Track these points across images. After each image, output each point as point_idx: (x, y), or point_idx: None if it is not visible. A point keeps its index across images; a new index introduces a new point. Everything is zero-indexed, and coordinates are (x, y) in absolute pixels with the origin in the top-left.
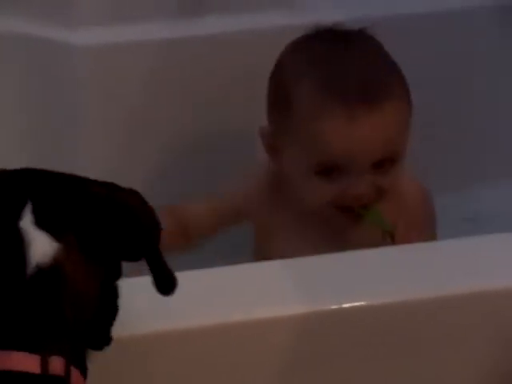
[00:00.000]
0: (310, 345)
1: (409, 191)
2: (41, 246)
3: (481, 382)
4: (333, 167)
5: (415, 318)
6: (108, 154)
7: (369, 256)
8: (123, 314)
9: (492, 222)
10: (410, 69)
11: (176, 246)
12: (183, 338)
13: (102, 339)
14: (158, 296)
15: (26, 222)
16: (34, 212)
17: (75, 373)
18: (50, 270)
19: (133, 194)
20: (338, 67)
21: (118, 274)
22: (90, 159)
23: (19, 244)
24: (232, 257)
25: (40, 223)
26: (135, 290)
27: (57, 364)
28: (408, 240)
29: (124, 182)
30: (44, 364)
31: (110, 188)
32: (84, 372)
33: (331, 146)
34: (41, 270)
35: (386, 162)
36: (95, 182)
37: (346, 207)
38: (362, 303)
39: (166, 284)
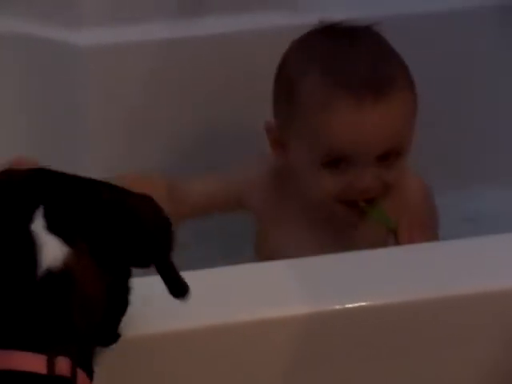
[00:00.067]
0: (314, 345)
1: (411, 188)
2: (52, 250)
3: (484, 381)
4: (339, 159)
5: (418, 318)
6: (108, 154)
7: (372, 256)
8: (128, 315)
9: (492, 222)
10: (410, 69)
11: None
12: (187, 338)
13: (110, 336)
14: (163, 296)
15: (38, 226)
16: (46, 216)
17: (81, 374)
18: (61, 274)
19: (146, 200)
20: (343, 61)
21: (127, 278)
22: (90, 159)
23: (30, 247)
24: (232, 252)
25: (51, 227)
26: (140, 290)
27: (63, 365)
28: (410, 237)
29: None
30: (50, 364)
31: (123, 194)
32: (90, 374)
33: (338, 136)
34: (51, 273)
35: (391, 155)
36: (108, 186)
37: (351, 202)
38: (365, 303)
39: (177, 290)
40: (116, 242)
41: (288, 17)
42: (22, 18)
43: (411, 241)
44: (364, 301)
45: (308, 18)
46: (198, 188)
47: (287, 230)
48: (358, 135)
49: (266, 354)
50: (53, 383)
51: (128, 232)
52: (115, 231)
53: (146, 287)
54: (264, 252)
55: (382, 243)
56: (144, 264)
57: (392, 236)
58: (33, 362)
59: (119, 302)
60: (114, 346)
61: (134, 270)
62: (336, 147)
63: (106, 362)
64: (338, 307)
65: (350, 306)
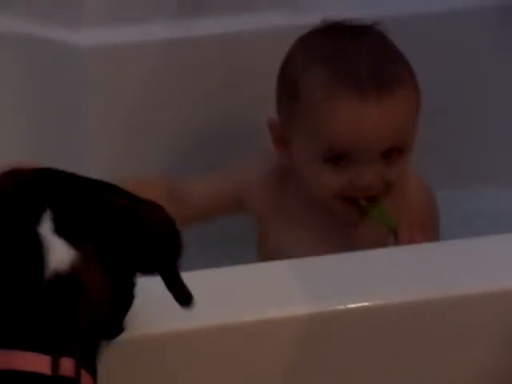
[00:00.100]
0: (315, 345)
1: (413, 187)
2: (59, 253)
3: (485, 382)
4: (340, 155)
5: (420, 319)
6: (109, 154)
7: (374, 256)
8: (134, 314)
9: (492, 222)
10: None
11: None
12: (190, 338)
13: (114, 330)
14: (165, 296)
15: (45, 229)
16: (54, 218)
17: (85, 375)
18: (67, 277)
19: (155, 208)
20: (346, 57)
21: (133, 282)
22: (91, 159)
23: (38, 250)
24: (235, 253)
25: (59, 230)
26: (145, 290)
27: (67, 365)
28: (410, 237)
29: None
30: (55, 365)
31: (133, 200)
32: (94, 374)
33: (339, 131)
34: (58, 276)
35: (393, 152)
36: (118, 191)
37: (352, 200)
38: (367, 303)
39: (181, 299)
40: (123, 248)
41: (288, 17)
42: (22, 17)
43: (411, 241)
44: (365, 301)
45: (308, 18)
46: (198, 188)
47: (288, 229)
48: (359, 131)
49: (268, 353)
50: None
51: (136, 239)
52: (123, 237)
53: (148, 287)
54: (265, 251)
55: (382, 243)
56: (150, 271)
57: (392, 235)
58: (37, 363)
59: (124, 300)
60: (116, 339)
61: None
62: (337, 143)
63: (111, 362)
64: (339, 307)
65: (352, 306)
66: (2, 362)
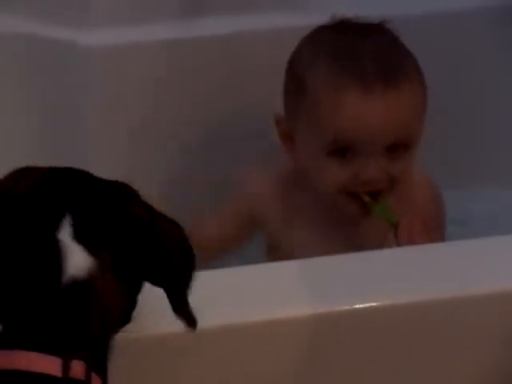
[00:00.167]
0: (322, 345)
1: (418, 185)
2: (77, 260)
3: (493, 382)
4: (345, 147)
5: (427, 319)
6: (109, 154)
7: (381, 257)
8: (142, 314)
9: (492, 222)
10: None
11: None
12: (200, 338)
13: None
14: None
15: (65, 234)
16: (73, 224)
17: (96, 378)
18: (84, 284)
19: (175, 227)
20: (354, 51)
21: (140, 288)
22: (92, 159)
23: (56, 255)
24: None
25: (78, 237)
26: (156, 289)
27: (78, 368)
28: (410, 237)
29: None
30: (65, 367)
31: (154, 214)
32: (104, 379)
33: (344, 123)
34: (75, 282)
35: (399, 147)
36: (139, 201)
37: (356, 194)
38: (374, 304)
39: (186, 322)
40: (138, 259)
41: (288, 17)
42: (23, 17)
43: (410, 240)
44: (372, 301)
45: (308, 19)
46: (210, 220)
47: (299, 230)
48: (364, 123)
49: (276, 353)
50: None
51: (151, 253)
52: (139, 248)
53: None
54: (273, 248)
55: (384, 241)
56: (159, 284)
57: (392, 233)
58: (48, 364)
59: (131, 303)
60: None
61: None
62: (342, 134)
63: (118, 363)
64: (346, 308)
65: (359, 306)
66: (14, 363)
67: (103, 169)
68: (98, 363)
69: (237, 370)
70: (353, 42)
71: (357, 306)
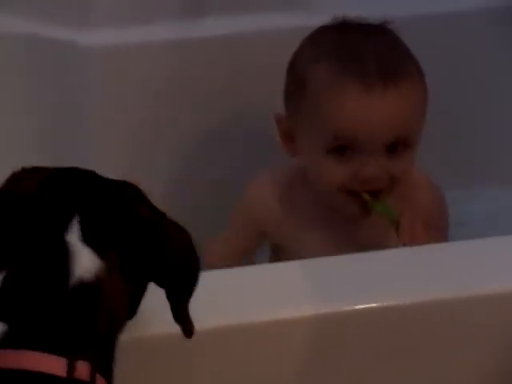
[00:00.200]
0: (327, 345)
1: (420, 186)
2: (85, 262)
3: (499, 381)
4: (345, 145)
5: (431, 319)
6: (110, 155)
7: (384, 257)
8: (147, 314)
9: (492, 223)
10: None
11: None
12: (205, 338)
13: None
14: None
15: (73, 236)
16: (81, 226)
17: (100, 380)
18: (91, 286)
19: (181, 230)
20: (354, 50)
21: (145, 289)
22: (93, 159)
23: (65, 256)
24: None
25: (85, 238)
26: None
27: (83, 369)
28: (412, 233)
29: None
30: (70, 368)
31: (161, 218)
32: (109, 380)
33: (344, 120)
34: (83, 284)
35: (399, 146)
36: (146, 203)
37: (355, 193)
38: (377, 304)
39: (183, 329)
40: (144, 261)
41: (289, 18)
42: (23, 17)
43: (412, 238)
44: (375, 302)
45: (310, 19)
46: (220, 236)
47: (297, 232)
48: (364, 120)
49: (280, 353)
50: None
51: (156, 256)
52: (146, 251)
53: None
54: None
55: (385, 240)
56: (164, 286)
57: (394, 232)
58: (53, 364)
59: (136, 303)
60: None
61: None
62: (342, 132)
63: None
64: (350, 308)
65: (362, 306)
66: (19, 362)
67: (103, 169)
68: (104, 364)
69: (241, 370)
70: (355, 42)
71: (360, 306)
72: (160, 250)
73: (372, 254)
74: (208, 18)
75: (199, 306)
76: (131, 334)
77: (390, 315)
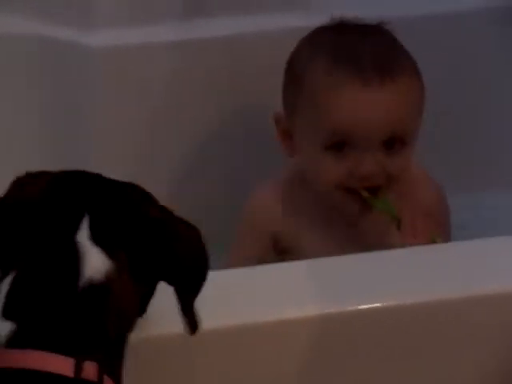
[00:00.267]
0: (331, 345)
1: (420, 186)
2: (95, 262)
3: (502, 381)
4: (342, 142)
5: (434, 319)
6: (111, 155)
7: (388, 257)
8: (153, 315)
9: (491, 223)
10: None
11: None
12: (210, 338)
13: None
14: None
15: (83, 237)
16: (91, 227)
17: (108, 381)
18: (101, 287)
19: (190, 228)
20: (351, 48)
21: (155, 288)
22: (94, 160)
23: (75, 257)
24: None
25: (96, 239)
26: (167, 289)
27: (90, 369)
28: (414, 229)
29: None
30: (78, 368)
31: (170, 216)
32: (117, 381)
33: (341, 116)
34: (92, 284)
35: (396, 143)
36: (153, 203)
37: (354, 190)
38: (380, 304)
39: (189, 325)
40: (153, 260)
41: (289, 18)
42: (23, 17)
43: (415, 236)
44: (379, 302)
45: (310, 20)
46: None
47: (297, 232)
48: (361, 116)
49: (285, 353)
50: None
51: (166, 255)
52: (155, 250)
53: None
54: None
55: (386, 238)
56: (174, 284)
57: (395, 228)
58: (61, 364)
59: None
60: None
61: None
62: (339, 127)
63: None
64: (355, 308)
65: (367, 306)
66: (26, 362)
67: (103, 169)
68: (112, 365)
69: (245, 369)
70: (352, 42)
71: (364, 306)
72: (170, 249)
73: (376, 254)
74: (208, 19)
75: (204, 307)
76: (137, 333)
77: (394, 315)
